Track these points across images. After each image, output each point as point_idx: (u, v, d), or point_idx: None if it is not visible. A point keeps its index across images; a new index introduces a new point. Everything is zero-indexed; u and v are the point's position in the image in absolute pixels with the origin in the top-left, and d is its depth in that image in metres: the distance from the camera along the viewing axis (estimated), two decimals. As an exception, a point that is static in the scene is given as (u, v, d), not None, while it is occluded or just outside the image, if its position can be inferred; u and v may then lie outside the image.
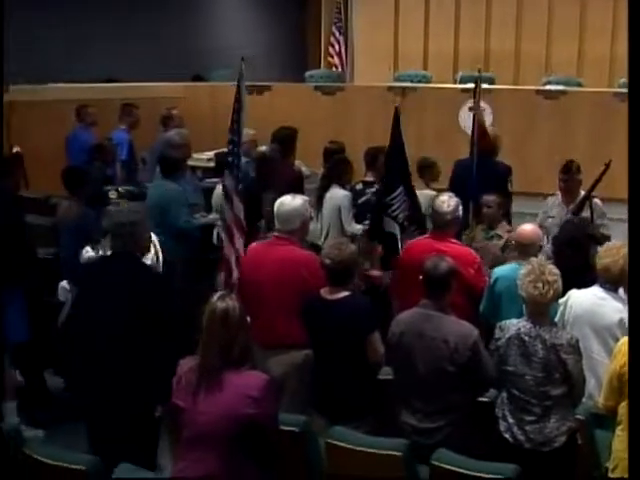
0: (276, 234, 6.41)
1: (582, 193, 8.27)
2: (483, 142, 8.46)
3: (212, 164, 10.58)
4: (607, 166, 8.12)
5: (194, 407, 4.24)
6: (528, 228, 6.60)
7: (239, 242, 6.77)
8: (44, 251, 8.07)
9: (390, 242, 7.41)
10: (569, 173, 8.35)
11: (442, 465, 4.77)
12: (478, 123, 8.49)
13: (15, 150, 10.23)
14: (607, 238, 7.46)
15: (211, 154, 11.02)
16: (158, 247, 6.89)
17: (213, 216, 8.50)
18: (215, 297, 4.39)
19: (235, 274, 6.64)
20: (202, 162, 11.17)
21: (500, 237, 7.78)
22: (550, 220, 8.22)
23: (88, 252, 7.03)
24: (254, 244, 6.61)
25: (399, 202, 7.40)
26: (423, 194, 8.26)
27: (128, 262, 5.61)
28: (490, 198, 7.90)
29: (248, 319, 4.45)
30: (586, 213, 8.03)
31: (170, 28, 15.65)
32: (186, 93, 13.64)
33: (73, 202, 8.06)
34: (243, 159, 9.59)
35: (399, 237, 7.35)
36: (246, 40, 17.10)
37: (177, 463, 4.38)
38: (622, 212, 5.83)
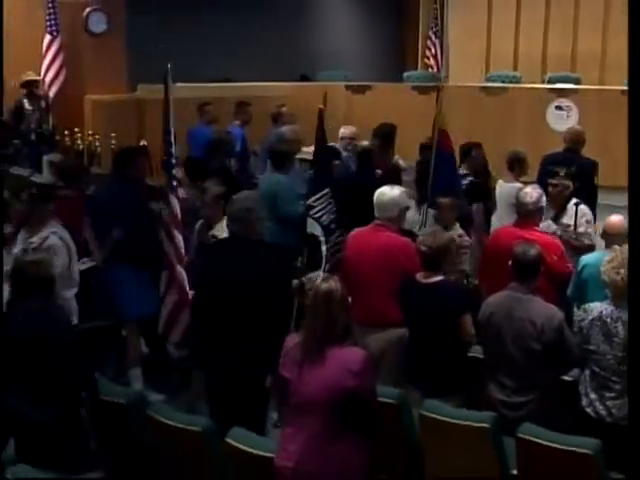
0: (377, 222, 6.43)
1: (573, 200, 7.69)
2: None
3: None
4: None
5: (299, 379, 4.27)
6: (615, 219, 6.52)
7: (178, 238, 6.65)
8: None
9: (313, 243, 7.09)
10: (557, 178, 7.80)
11: (527, 437, 4.74)
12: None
13: (142, 143, 10.42)
14: (591, 248, 7.26)
15: (316, 148, 11.06)
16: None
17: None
18: (320, 278, 4.43)
19: (178, 268, 6.59)
20: (308, 155, 11.21)
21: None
22: None
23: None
24: (357, 230, 6.63)
25: (323, 204, 6.97)
26: (511, 186, 8.17)
27: (244, 244, 5.67)
28: (444, 201, 7.45)
29: (350, 299, 4.46)
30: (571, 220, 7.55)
31: (280, 31, 15.74)
32: (294, 92, 13.70)
33: (195, 191, 8.19)
34: (344, 153, 9.70)
35: (323, 240, 6.91)
36: (349, 43, 17.12)
37: (284, 428, 4.43)
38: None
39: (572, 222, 7.45)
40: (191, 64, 13.88)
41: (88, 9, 14.01)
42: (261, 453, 4.54)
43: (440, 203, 7.48)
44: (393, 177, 8.05)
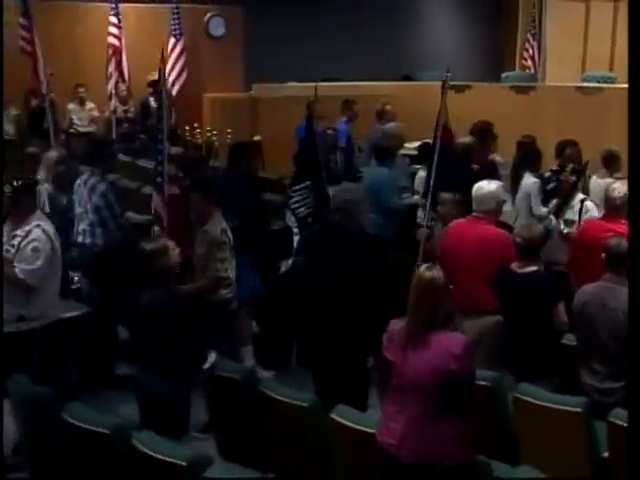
0: (475, 214, 6.39)
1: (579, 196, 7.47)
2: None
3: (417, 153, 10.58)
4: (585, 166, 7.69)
5: (403, 361, 4.26)
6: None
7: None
8: (278, 223, 8.26)
9: (286, 234, 7.03)
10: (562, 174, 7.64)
11: (618, 422, 4.63)
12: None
13: (255, 138, 10.53)
14: None
15: (417, 144, 11.03)
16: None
17: (417, 197, 8.52)
18: (423, 267, 4.40)
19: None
20: (410, 150, 11.20)
21: None
22: None
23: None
24: (455, 222, 6.58)
25: (301, 196, 6.77)
26: (603, 182, 8.02)
27: (345, 233, 5.69)
28: (445, 196, 7.02)
29: (451, 287, 4.44)
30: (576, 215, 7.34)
31: (387, 32, 15.70)
32: (397, 91, 13.67)
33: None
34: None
35: (297, 231, 6.68)
36: (450, 43, 16.99)
37: (386, 407, 4.42)
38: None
39: (577, 218, 7.26)
40: (303, 64, 13.99)
41: (209, 14, 14.27)
42: (364, 429, 4.54)
43: (442, 198, 7.06)
44: (490, 172, 7.96)
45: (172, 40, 13.21)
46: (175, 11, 13.24)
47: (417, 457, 4.20)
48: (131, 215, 9.13)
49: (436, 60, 15.71)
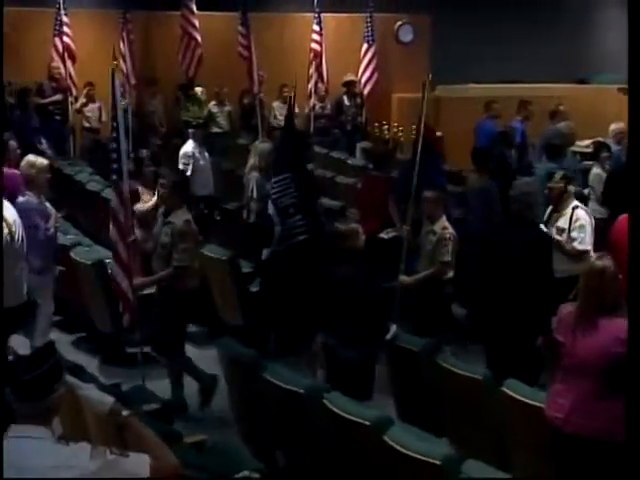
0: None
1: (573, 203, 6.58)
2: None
3: (589, 150, 10.25)
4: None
5: (572, 343, 4.13)
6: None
7: (112, 231, 5.94)
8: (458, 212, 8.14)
9: (267, 222, 6.41)
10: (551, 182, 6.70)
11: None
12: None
13: (438, 134, 10.44)
14: (581, 253, 6.28)
15: (589, 142, 10.73)
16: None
17: (587, 191, 8.28)
18: (594, 257, 4.27)
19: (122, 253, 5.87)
20: (581, 148, 10.93)
21: (435, 233, 6.39)
22: None
23: None
24: (625, 215, 6.25)
25: (281, 187, 6.17)
26: None
27: (521, 223, 5.63)
28: (427, 194, 6.48)
29: (620, 277, 4.25)
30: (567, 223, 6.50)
31: (562, 36, 15.17)
32: (571, 93, 13.22)
33: (479, 175, 8.07)
34: (614, 147, 9.27)
35: (277, 221, 6.07)
36: (623, 46, 16.19)
37: (555, 384, 4.28)
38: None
39: (567, 226, 6.47)
40: (483, 67, 13.77)
41: (399, 22, 14.26)
42: (533, 403, 4.42)
43: (425, 196, 6.54)
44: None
45: (365, 45, 13.29)
46: (369, 19, 13.30)
47: (581, 431, 4.08)
48: (325, 201, 9.25)
49: (609, 63, 15.06)
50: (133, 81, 12.11)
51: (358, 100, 13.05)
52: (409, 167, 7.72)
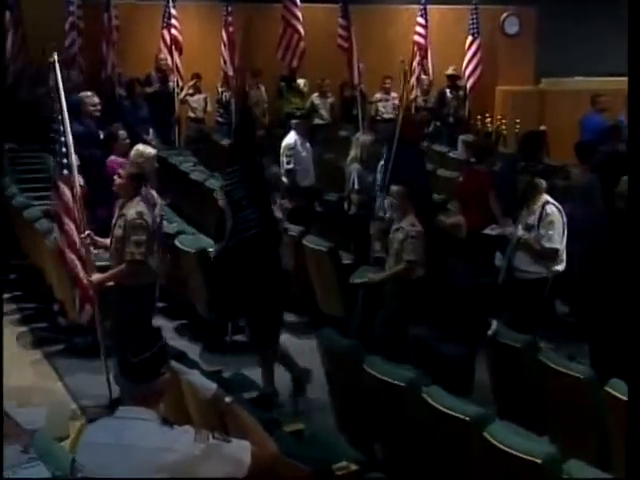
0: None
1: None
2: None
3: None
4: None
5: None
6: None
7: (69, 226, 5.83)
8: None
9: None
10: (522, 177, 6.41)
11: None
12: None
13: (542, 128, 10.25)
14: (552, 252, 6.06)
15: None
16: None
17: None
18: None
19: (68, 253, 5.80)
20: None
21: (403, 230, 6.08)
22: None
23: None
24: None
25: (233, 179, 5.75)
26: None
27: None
28: (394, 188, 6.22)
29: None
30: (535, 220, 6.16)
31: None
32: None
33: (583, 169, 7.86)
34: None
35: (230, 214, 5.67)
36: None
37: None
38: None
39: (536, 223, 6.13)
40: (590, 60, 13.42)
41: (505, 14, 14.05)
42: None
43: (392, 191, 6.28)
44: None
45: (469, 38, 13.15)
46: (474, 11, 13.14)
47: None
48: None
49: None
50: (232, 73, 12.24)
51: (461, 93, 12.92)
52: (512, 161, 7.61)
